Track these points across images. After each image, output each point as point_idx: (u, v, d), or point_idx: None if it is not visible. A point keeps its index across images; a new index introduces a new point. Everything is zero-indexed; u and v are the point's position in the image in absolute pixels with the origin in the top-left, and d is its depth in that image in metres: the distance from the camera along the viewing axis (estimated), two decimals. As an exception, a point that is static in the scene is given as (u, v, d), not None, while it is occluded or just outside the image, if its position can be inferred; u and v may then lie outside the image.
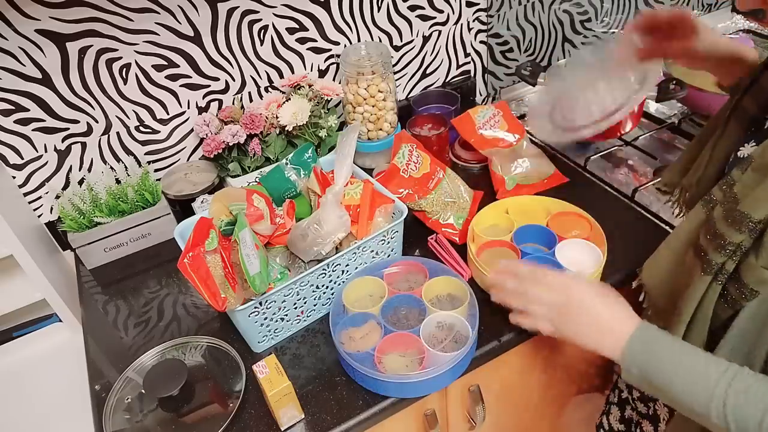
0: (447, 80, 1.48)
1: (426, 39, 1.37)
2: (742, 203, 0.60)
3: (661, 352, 0.64)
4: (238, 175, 1.15)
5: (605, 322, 0.68)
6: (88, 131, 1.12)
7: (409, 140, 1.11)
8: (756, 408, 0.56)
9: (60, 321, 1.10)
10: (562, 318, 0.72)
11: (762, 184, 0.59)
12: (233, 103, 1.22)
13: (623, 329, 0.66)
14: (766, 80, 0.70)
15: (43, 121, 1.07)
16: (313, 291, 0.92)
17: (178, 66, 1.13)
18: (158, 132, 1.19)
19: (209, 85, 1.18)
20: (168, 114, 1.17)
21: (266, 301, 0.86)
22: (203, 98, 1.19)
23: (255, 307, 0.85)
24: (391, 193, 1.01)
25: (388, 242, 0.97)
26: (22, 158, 1.09)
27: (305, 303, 0.92)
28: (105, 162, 1.17)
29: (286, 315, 0.91)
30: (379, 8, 1.27)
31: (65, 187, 1.15)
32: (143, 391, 0.85)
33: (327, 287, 0.93)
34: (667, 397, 0.64)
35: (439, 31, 1.38)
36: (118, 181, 1.17)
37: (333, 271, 0.92)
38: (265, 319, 0.88)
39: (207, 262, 0.82)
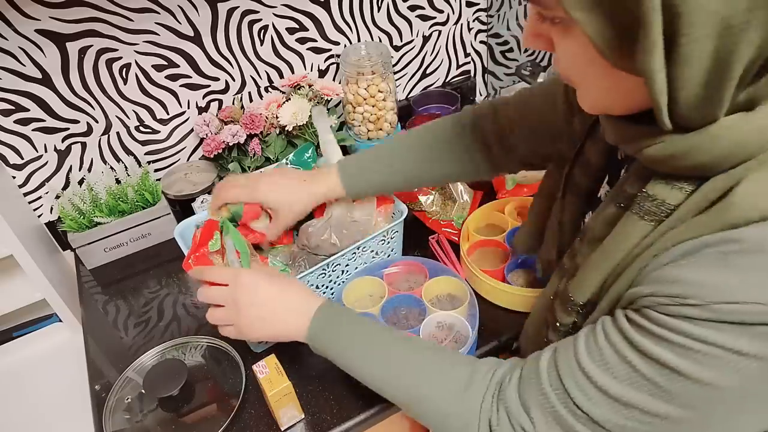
0: (447, 80, 1.48)
1: (426, 39, 1.37)
2: (570, 285, 0.57)
3: (338, 335, 0.68)
4: (238, 175, 1.15)
5: (283, 314, 0.71)
6: (88, 131, 1.12)
7: None
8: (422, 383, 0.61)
9: (60, 321, 1.10)
10: (242, 321, 0.71)
11: (588, 261, 0.55)
12: (233, 103, 1.22)
13: (305, 312, 0.70)
14: (590, 152, 0.64)
15: (43, 121, 1.07)
16: (314, 291, 0.91)
17: (178, 66, 1.13)
18: (158, 132, 1.19)
19: (209, 85, 1.18)
20: (168, 114, 1.17)
21: None
22: (203, 98, 1.19)
23: None
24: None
25: (388, 242, 0.97)
26: (22, 158, 1.09)
27: None
28: (105, 162, 1.17)
29: None
30: (379, 8, 1.27)
31: (65, 187, 1.15)
32: (143, 391, 0.85)
33: (327, 287, 0.93)
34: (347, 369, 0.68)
35: (439, 31, 1.38)
36: (118, 181, 1.17)
37: (333, 271, 0.92)
38: None
39: (212, 262, 0.83)
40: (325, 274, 0.91)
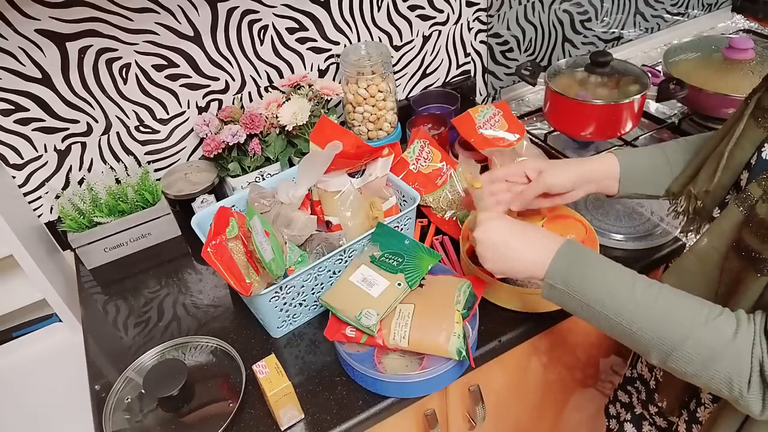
0: (447, 80, 1.48)
1: (426, 39, 1.37)
2: None
3: (585, 263, 0.68)
4: (238, 175, 1.15)
5: (531, 254, 0.73)
6: (88, 131, 1.12)
7: (425, 137, 1.14)
8: (680, 323, 0.61)
9: (60, 321, 1.10)
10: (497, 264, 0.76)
11: None
12: (233, 103, 1.22)
13: (550, 250, 0.71)
14: None
15: (43, 121, 1.07)
16: (330, 276, 0.93)
17: (178, 66, 1.13)
18: (158, 132, 1.19)
19: (209, 85, 1.18)
20: (168, 114, 1.17)
21: (286, 286, 0.87)
22: (203, 98, 1.19)
23: (275, 292, 0.86)
24: (404, 183, 1.04)
25: (401, 229, 0.99)
26: (22, 158, 1.09)
27: (322, 288, 0.94)
28: (105, 162, 1.17)
29: (305, 300, 0.92)
30: (379, 8, 1.26)
31: (65, 187, 1.15)
32: (143, 391, 0.85)
33: (341, 272, 0.95)
34: (586, 307, 0.67)
35: (439, 31, 1.38)
36: (118, 181, 1.17)
37: (350, 257, 0.94)
38: (285, 304, 0.89)
39: (230, 249, 0.84)
40: (342, 260, 0.92)
